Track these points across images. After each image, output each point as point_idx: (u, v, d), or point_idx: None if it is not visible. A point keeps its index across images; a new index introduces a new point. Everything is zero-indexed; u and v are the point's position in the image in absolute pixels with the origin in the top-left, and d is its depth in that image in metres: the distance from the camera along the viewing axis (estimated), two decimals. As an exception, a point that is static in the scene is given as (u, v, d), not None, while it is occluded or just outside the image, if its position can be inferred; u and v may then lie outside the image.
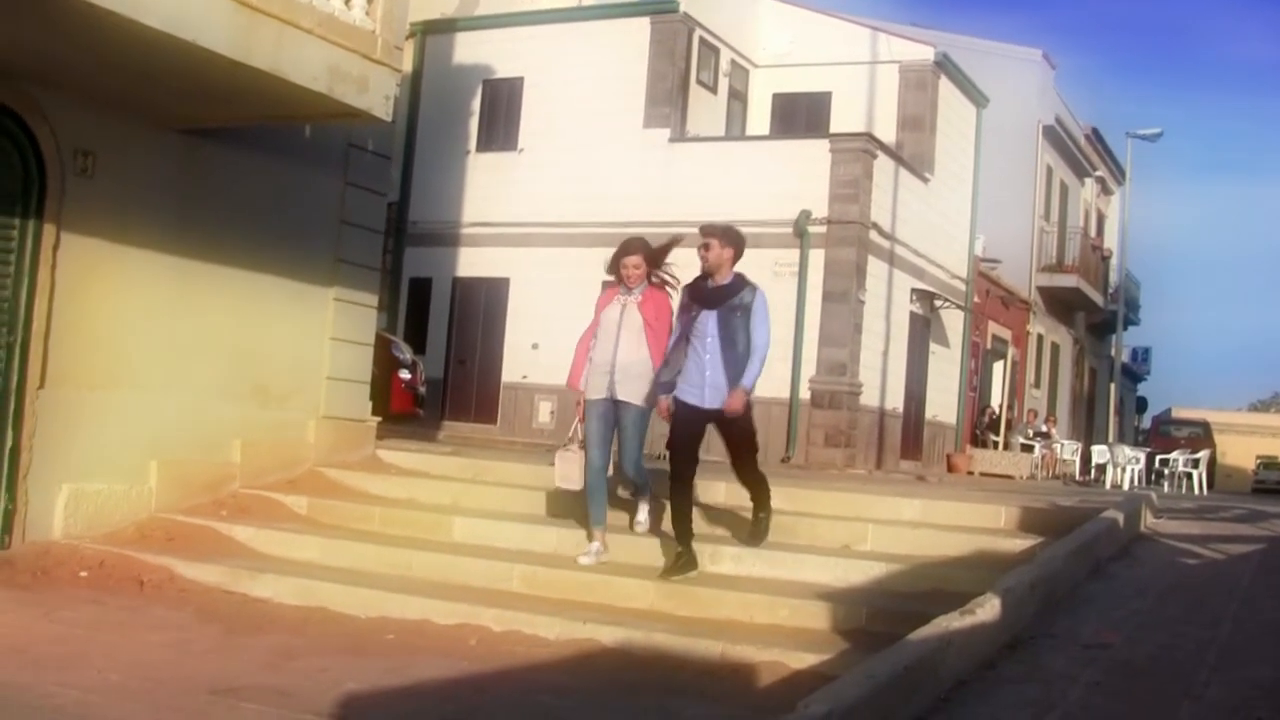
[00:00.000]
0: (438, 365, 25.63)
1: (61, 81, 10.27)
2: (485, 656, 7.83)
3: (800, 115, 27.27)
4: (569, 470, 10.10)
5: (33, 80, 10.20)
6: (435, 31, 26.93)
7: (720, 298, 9.48)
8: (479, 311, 25.84)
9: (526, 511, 11.08)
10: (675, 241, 10.27)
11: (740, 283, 9.57)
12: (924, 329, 26.78)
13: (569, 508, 10.57)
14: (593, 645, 8.06)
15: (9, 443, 10.23)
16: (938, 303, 27.13)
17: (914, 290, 25.87)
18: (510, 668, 7.63)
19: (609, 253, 10.03)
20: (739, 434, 9.60)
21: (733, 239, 9.68)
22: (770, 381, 22.21)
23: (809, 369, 22.67)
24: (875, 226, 23.50)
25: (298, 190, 12.69)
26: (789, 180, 22.97)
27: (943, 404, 28.19)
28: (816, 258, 22.75)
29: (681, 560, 9.24)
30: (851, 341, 22.76)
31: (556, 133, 25.27)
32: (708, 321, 9.43)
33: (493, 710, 6.86)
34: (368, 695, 6.89)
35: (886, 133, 25.57)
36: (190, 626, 8.34)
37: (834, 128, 25.69)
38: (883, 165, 23.83)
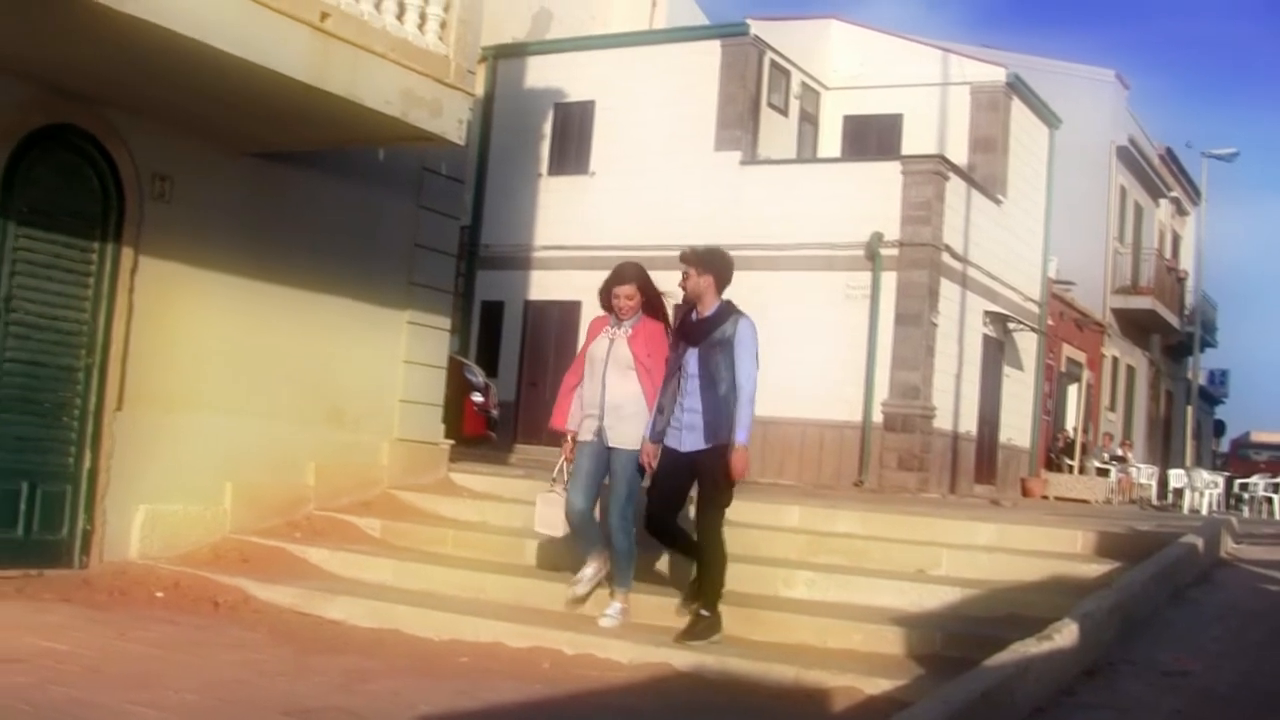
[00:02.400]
0: (510, 388, 25.69)
1: (139, 107, 10.41)
2: (558, 680, 7.81)
3: (871, 137, 27.19)
4: (550, 515, 9.26)
5: (111, 105, 10.35)
6: (507, 55, 27.06)
7: (701, 333, 8.62)
8: (550, 334, 25.88)
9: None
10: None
11: (724, 313, 8.65)
12: (997, 352, 26.59)
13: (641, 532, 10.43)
14: (666, 669, 8.02)
15: (87, 464, 10.35)
16: (1011, 325, 26.93)
17: (987, 313, 25.69)
18: (583, 691, 7.61)
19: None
20: (709, 478, 8.58)
21: (711, 264, 8.75)
22: (843, 405, 22.26)
23: (881, 392, 22.55)
24: (947, 249, 23.38)
25: (371, 214, 12.78)
26: (861, 202, 22.91)
27: (1017, 427, 27.95)
28: (889, 280, 22.64)
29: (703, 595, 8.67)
30: (924, 364, 22.62)
31: (628, 156, 25.30)
32: (690, 360, 8.60)
33: (565, 733, 6.85)
34: (440, 718, 6.89)
35: (958, 154, 25.44)
36: (264, 647, 8.37)
37: (905, 149, 25.60)
38: (955, 187, 23.71)
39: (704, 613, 8.50)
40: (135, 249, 10.58)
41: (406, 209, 13.24)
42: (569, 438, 9.26)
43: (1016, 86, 26.86)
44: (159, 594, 9.89)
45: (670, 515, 8.74)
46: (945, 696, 5.54)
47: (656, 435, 8.72)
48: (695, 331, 8.66)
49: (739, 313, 8.70)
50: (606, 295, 9.17)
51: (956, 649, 7.90)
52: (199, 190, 11.09)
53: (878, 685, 7.45)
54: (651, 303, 9.16)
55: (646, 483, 8.96)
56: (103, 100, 10.29)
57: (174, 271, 10.88)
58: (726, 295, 8.84)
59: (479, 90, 23.09)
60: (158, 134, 10.71)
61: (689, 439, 8.55)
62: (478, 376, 20.30)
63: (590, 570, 9.02)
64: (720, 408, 8.47)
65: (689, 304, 8.82)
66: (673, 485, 8.71)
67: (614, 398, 8.92)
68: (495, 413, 20.54)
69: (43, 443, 10.11)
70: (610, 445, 8.95)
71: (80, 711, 6.39)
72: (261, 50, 8.99)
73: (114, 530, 10.51)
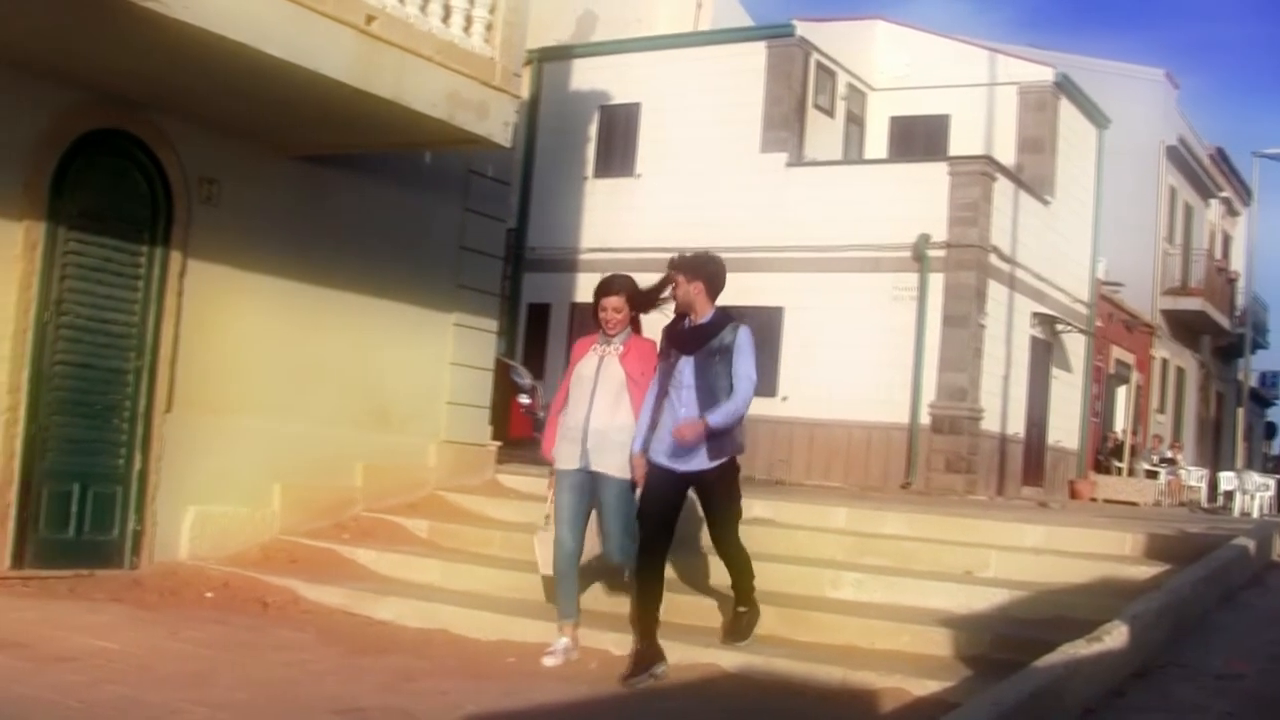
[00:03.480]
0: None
1: (187, 111, 10.49)
2: (605, 680, 7.82)
3: (918, 138, 27.06)
4: (551, 555, 8.56)
5: (160, 110, 10.43)
6: (552, 58, 27.09)
7: (697, 340, 8.09)
8: (596, 337, 25.84)
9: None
10: (669, 282, 8.42)
11: (721, 320, 8.16)
12: (1045, 353, 26.44)
13: (687, 531, 10.37)
14: (713, 670, 8.02)
15: (137, 465, 10.44)
16: (1059, 327, 26.77)
17: (1035, 314, 25.55)
18: (631, 692, 7.61)
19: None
20: (719, 497, 8.18)
21: (700, 270, 8.21)
22: (890, 406, 22.17)
23: (929, 394, 22.45)
24: (995, 250, 23.26)
25: (418, 216, 12.83)
26: (908, 204, 22.81)
27: (1065, 429, 27.78)
28: (936, 282, 22.55)
29: (644, 657, 7.96)
30: (972, 366, 22.51)
31: (674, 158, 25.27)
32: (684, 369, 8.04)
33: (612, 734, 6.85)
34: (487, 717, 6.91)
35: (1006, 155, 25.31)
36: (313, 647, 8.41)
37: (952, 150, 25.47)
38: (1002, 188, 23.59)
39: (742, 609, 8.41)
40: (183, 252, 10.66)
41: (452, 211, 13.28)
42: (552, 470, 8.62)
43: (1064, 86, 26.70)
44: (209, 594, 9.96)
45: (667, 546, 8.19)
46: (995, 697, 5.51)
47: (644, 448, 8.13)
48: (691, 339, 8.15)
49: (737, 320, 8.27)
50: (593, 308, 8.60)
51: (1005, 651, 7.85)
52: (246, 193, 11.16)
53: (925, 686, 7.43)
54: (650, 303, 8.57)
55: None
56: (150, 105, 10.37)
57: (222, 274, 10.96)
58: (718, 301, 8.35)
59: (524, 93, 23.14)
60: (205, 137, 10.79)
61: (687, 457, 8.01)
62: (524, 378, 20.36)
63: (565, 642, 8.32)
64: None
65: (680, 313, 8.31)
66: (667, 511, 8.13)
67: (600, 422, 8.25)
68: (542, 414, 20.52)
69: (93, 444, 10.20)
70: (594, 470, 8.28)
71: (132, 709, 6.44)
72: (308, 54, 9.04)
73: (164, 531, 10.59)
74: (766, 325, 22.94)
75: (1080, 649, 6.35)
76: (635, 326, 8.63)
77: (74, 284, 9.99)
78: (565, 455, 8.40)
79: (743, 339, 8.11)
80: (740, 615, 8.42)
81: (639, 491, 8.23)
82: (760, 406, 21.98)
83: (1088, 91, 27.92)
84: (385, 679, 7.62)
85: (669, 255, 8.58)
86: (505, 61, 10.90)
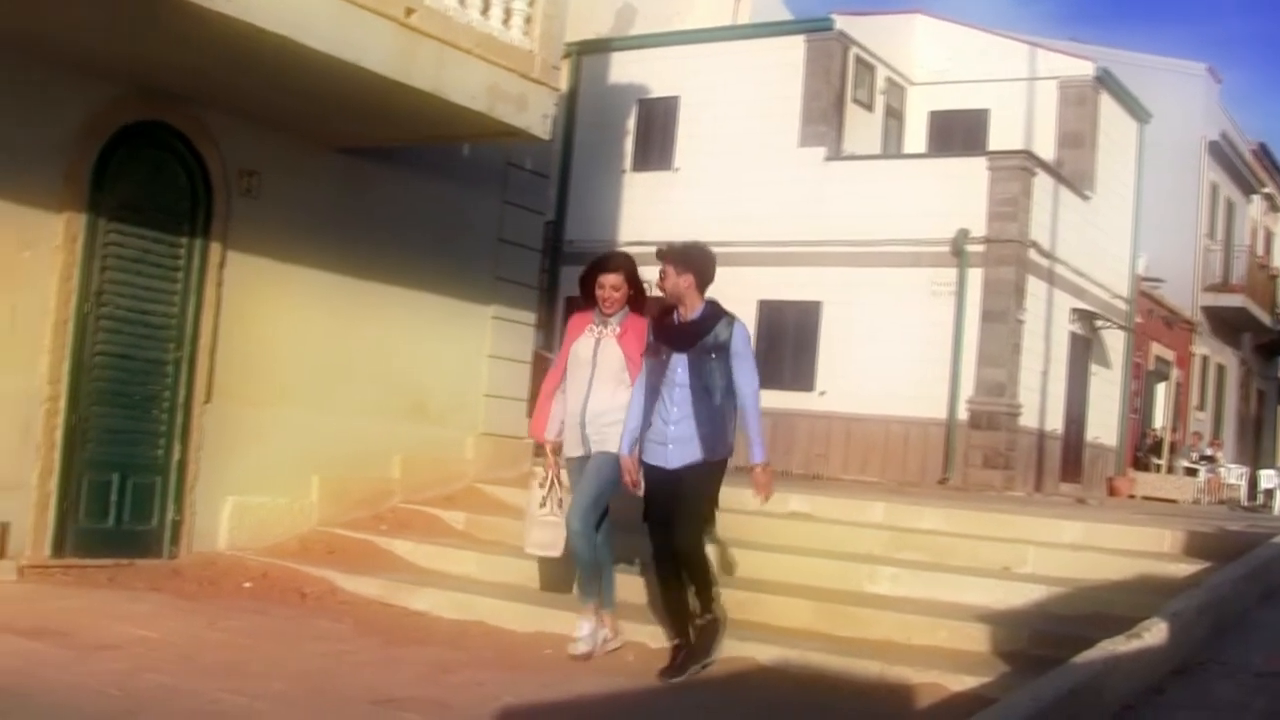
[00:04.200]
0: (593, 383, 25.62)
1: (228, 104, 10.53)
2: (641, 673, 7.82)
3: (957, 133, 26.92)
4: (545, 537, 8.67)
5: (200, 103, 10.47)
6: (591, 51, 27.07)
7: (690, 336, 7.75)
8: (634, 330, 25.80)
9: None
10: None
11: (713, 315, 7.79)
12: (1084, 349, 26.30)
13: (725, 525, 10.29)
14: (749, 664, 8.01)
15: (176, 456, 10.50)
16: (1098, 323, 26.62)
17: (1074, 310, 25.41)
18: (666, 685, 7.61)
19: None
20: (695, 488, 7.74)
21: (690, 261, 7.82)
22: (928, 401, 22.08)
23: (967, 389, 22.36)
24: (1034, 245, 23.13)
25: (456, 209, 12.85)
26: (946, 199, 22.70)
27: (1103, 426, 27.62)
28: (975, 277, 22.43)
29: (683, 654, 7.83)
30: (1010, 362, 22.41)
31: (712, 152, 25.21)
32: (677, 368, 7.71)
33: (648, 727, 6.85)
34: (524, 709, 6.92)
35: (1046, 150, 25.16)
36: (350, 638, 8.44)
37: (992, 145, 25.31)
38: (1042, 183, 23.45)
39: (703, 618, 7.88)
40: (223, 244, 10.72)
41: (491, 204, 13.31)
42: (549, 450, 8.62)
43: (1105, 81, 26.53)
44: (247, 584, 10.01)
45: (672, 538, 7.83)
46: (1034, 693, 5.49)
47: (633, 449, 7.91)
48: (684, 336, 7.80)
49: (730, 315, 7.88)
50: (588, 285, 8.39)
51: (1042, 647, 7.82)
52: (286, 186, 11.20)
53: (963, 682, 7.42)
54: (637, 298, 8.37)
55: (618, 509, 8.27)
56: (191, 97, 10.41)
57: (261, 266, 11.01)
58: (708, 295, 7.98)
59: (563, 86, 23.12)
60: (245, 130, 10.84)
61: (677, 454, 7.72)
62: (561, 371, 20.35)
63: (587, 628, 8.21)
64: (717, 419, 7.71)
65: (667, 306, 7.96)
66: (666, 502, 7.79)
67: (597, 405, 8.13)
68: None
69: (133, 435, 10.26)
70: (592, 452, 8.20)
71: (171, 698, 6.48)
72: (348, 46, 9.08)
73: (203, 521, 10.65)
74: (804, 320, 22.94)
75: (1119, 645, 6.32)
76: (632, 305, 8.36)
77: (114, 275, 10.05)
78: (570, 443, 8.34)
79: (739, 340, 7.78)
80: (702, 629, 7.88)
81: (639, 490, 7.98)
82: (798, 401, 22.21)
83: (1129, 86, 27.73)
84: (422, 670, 7.65)
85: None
86: (544, 54, 10.92)
